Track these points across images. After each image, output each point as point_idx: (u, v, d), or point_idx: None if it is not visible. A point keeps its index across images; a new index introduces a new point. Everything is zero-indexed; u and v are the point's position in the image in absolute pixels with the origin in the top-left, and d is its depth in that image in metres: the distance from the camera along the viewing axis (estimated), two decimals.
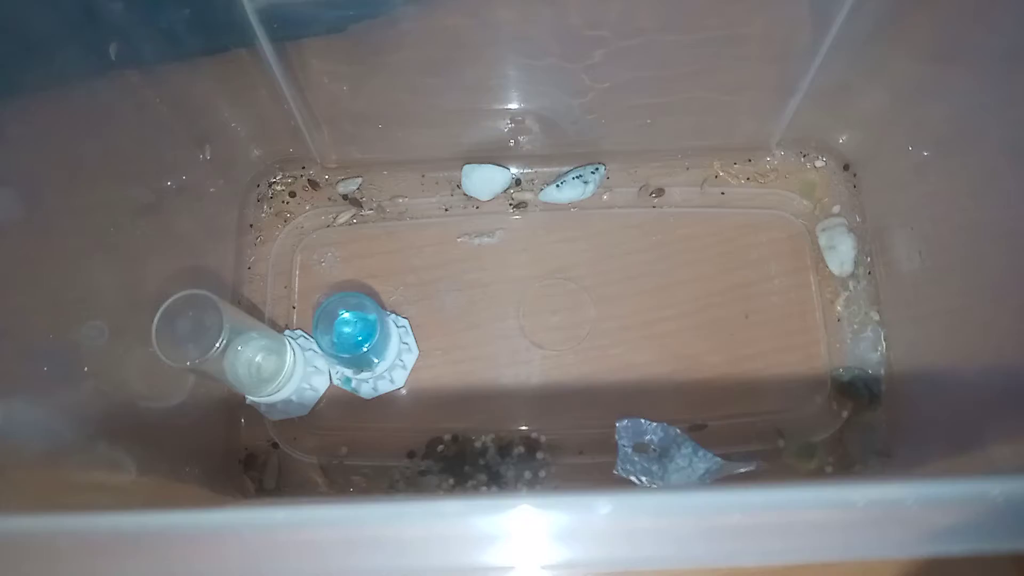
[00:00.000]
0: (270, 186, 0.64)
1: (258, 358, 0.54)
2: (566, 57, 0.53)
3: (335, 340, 0.53)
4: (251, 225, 0.63)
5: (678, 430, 0.57)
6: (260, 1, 0.46)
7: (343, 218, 0.63)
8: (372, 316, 0.53)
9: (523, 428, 0.58)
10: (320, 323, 0.53)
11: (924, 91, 0.54)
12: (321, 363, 0.58)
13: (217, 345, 0.47)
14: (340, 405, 0.59)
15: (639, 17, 0.49)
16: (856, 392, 0.57)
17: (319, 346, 0.53)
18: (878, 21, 0.50)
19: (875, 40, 0.51)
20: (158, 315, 0.47)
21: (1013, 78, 0.46)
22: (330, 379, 0.58)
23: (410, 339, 0.59)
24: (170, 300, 0.47)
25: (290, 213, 0.63)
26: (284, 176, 0.64)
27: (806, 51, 0.53)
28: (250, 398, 0.56)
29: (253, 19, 0.47)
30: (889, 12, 0.49)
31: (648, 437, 0.57)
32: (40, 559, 0.27)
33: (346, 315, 0.53)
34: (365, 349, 0.52)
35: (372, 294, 0.61)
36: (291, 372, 0.55)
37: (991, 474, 0.26)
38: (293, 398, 0.56)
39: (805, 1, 0.49)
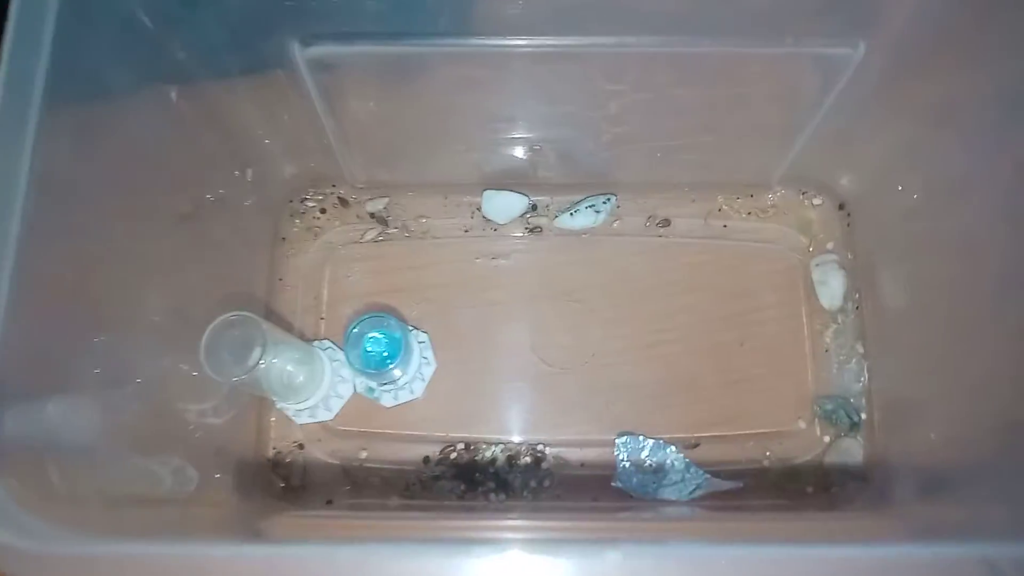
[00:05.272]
0: (302, 202, 0.68)
1: (291, 368, 0.59)
2: (586, 106, 0.57)
3: (363, 357, 0.58)
4: (284, 238, 0.68)
5: (673, 448, 0.62)
6: (311, 52, 0.50)
7: (370, 235, 0.68)
8: (398, 335, 0.58)
9: (530, 439, 0.63)
10: (350, 341, 0.58)
11: (919, 145, 0.58)
12: (346, 372, 0.62)
13: (261, 362, 0.51)
14: (362, 411, 0.63)
15: (656, 75, 0.53)
16: (838, 419, 0.62)
17: (348, 362, 0.57)
18: (880, 82, 0.54)
19: (877, 97, 0.55)
20: (206, 335, 0.51)
21: (1001, 142, 0.50)
22: (354, 387, 0.63)
23: (429, 353, 0.64)
24: (217, 321, 0.52)
25: (320, 228, 0.68)
26: (316, 193, 0.69)
27: (811, 105, 0.57)
28: (280, 403, 0.60)
29: (303, 68, 0.51)
30: (890, 76, 0.53)
31: (645, 453, 0.62)
32: None
33: (374, 335, 0.58)
34: (391, 366, 0.57)
35: (396, 307, 0.65)
36: (320, 381, 0.60)
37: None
38: (320, 404, 0.61)
39: (810, 65, 0.53)
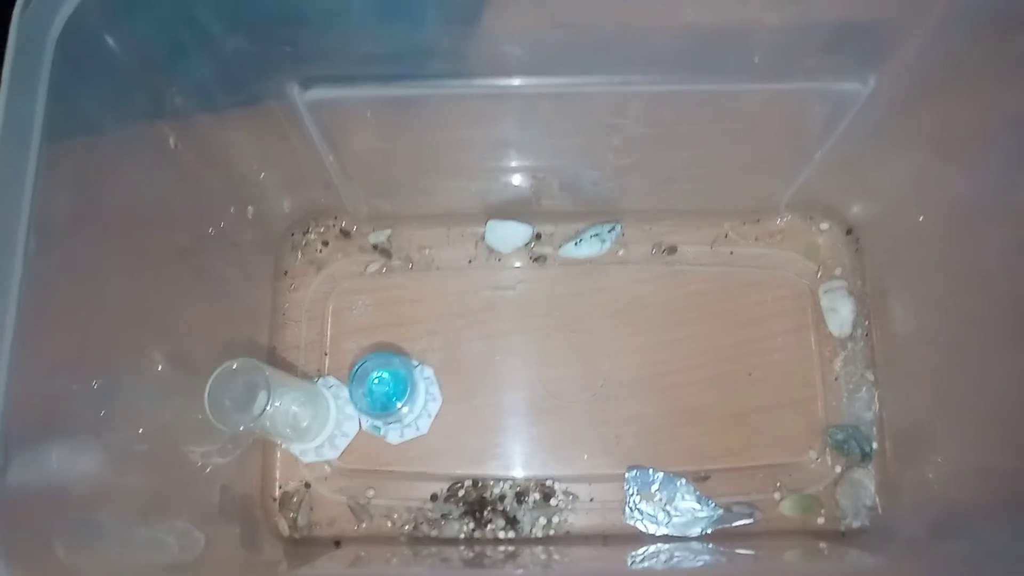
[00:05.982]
0: (304, 235, 0.67)
1: (296, 409, 0.58)
2: (589, 139, 0.56)
3: (369, 398, 0.57)
4: (286, 272, 0.67)
5: (683, 480, 0.61)
6: (311, 95, 0.50)
7: (373, 267, 0.67)
8: (403, 373, 0.57)
9: (539, 475, 0.62)
10: (355, 380, 0.57)
11: (929, 173, 0.57)
12: (351, 410, 0.62)
13: (266, 409, 0.51)
14: (368, 448, 0.63)
15: (662, 110, 0.52)
16: (849, 449, 0.62)
17: (355, 403, 0.57)
18: (890, 113, 0.52)
19: (887, 127, 0.54)
20: (209, 385, 0.50)
21: (1012, 171, 0.49)
22: (359, 425, 0.62)
23: (435, 389, 0.63)
24: (219, 370, 0.51)
25: (323, 261, 0.67)
26: (317, 226, 0.68)
27: (819, 136, 0.56)
28: (285, 444, 0.60)
29: (302, 109, 0.51)
30: (900, 107, 0.52)
31: (655, 487, 0.61)
32: None
33: (380, 374, 0.57)
34: (399, 406, 0.56)
35: (400, 341, 0.64)
36: (325, 421, 0.59)
37: None
38: (326, 443, 0.60)
39: (818, 100, 0.52)
